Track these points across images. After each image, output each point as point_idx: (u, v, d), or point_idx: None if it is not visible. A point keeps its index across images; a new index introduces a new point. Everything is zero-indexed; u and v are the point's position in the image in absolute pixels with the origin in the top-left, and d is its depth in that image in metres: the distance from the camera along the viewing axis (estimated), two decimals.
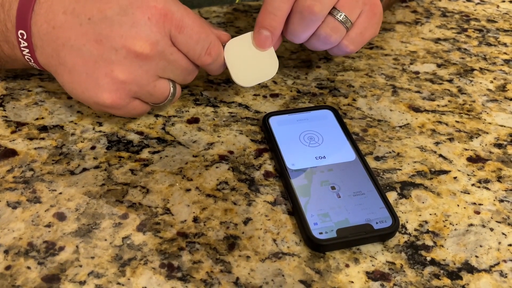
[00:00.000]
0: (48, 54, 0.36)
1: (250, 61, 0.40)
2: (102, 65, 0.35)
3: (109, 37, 0.34)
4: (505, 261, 0.34)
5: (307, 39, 0.41)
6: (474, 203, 0.38)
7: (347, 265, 0.33)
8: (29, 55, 0.37)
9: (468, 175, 0.40)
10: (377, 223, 0.34)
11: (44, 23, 0.35)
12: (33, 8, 0.36)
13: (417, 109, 0.46)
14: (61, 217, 0.35)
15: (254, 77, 0.41)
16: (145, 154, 0.40)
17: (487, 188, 0.39)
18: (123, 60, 0.35)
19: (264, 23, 0.39)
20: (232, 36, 0.40)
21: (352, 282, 0.32)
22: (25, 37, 0.36)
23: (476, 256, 0.34)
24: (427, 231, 0.35)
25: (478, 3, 0.64)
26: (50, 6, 0.35)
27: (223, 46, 0.39)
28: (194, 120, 0.44)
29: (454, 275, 0.33)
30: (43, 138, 0.41)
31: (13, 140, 0.40)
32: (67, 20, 0.35)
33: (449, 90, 0.49)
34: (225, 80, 0.48)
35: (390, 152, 0.41)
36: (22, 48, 0.37)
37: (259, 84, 0.45)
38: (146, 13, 0.34)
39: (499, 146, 0.43)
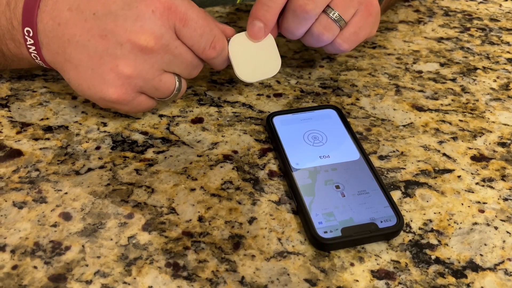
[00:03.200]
0: (54, 51, 0.36)
1: (253, 57, 0.40)
2: (107, 60, 0.35)
3: (114, 32, 0.34)
4: (509, 259, 0.34)
5: (301, 35, 0.42)
6: (478, 202, 0.38)
7: (352, 264, 0.33)
8: (35, 52, 0.37)
9: (472, 174, 0.40)
10: (381, 222, 0.34)
11: (50, 20, 0.36)
12: (38, 6, 0.36)
13: (420, 108, 0.46)
14: (67, 217, 0.35)
15: (257, 73, 0.41)
16: (149, 154, 0.40)
17: (491, 187, 0.39)
18: (128, 55, 0.35)
19: (258, 14, 0.39)
20: (237, 32, 0.40)
21: (357, 280, 0.32)
22: (31, 35, 0.36)
23: (481, 255, 0.34)
24: (432, 230, 0.35)
25: (480, 2, 0.64)
26: (56, 3, 0.36)
27: (228, 41, 0.39)
28: (198, 120, 0.44)
29: (459, 274, 0.33)
30: (48, 139, 0.41)
31: (19, 140, 0.41)
32: (72, 16, 0.35)
33: (452, 89, 0.49)
34: (228, 80, 0.48)
35: (394, 151, 0.42)
36: (28, 46, 0.37)
37: (261, 81, 0.45)
38: (150, 7, 0.34)
39: (502, 144, 0.43)
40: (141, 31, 0.34)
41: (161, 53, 0.36)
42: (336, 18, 0.40)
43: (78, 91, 0.38)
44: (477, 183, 0.39)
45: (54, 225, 0.34)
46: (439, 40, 0.56)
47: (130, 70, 0.35)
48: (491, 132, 0.44)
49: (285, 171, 0.38)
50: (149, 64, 0.36)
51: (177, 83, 0.39)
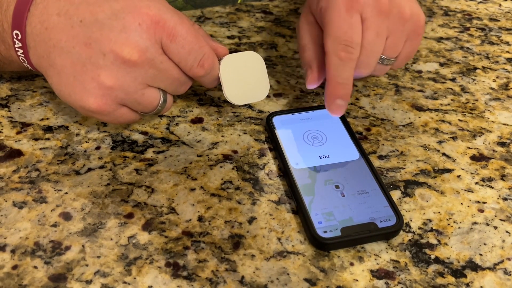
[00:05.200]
0: (40, 55, 0.36)
1: (243, 80, 0.40)
2: (89, 69, 0.34)
3: (98, 41, 0.34)
4: (509, 259, 0.34)
5: None
6: (478, 202, 0.38)
7: (351, 264, 0.33)
8: (23, 56, 0.37)
9: (471, 173, 0.40)
10: (381, 221, 0.34)
11: (38, 23, 0.35)
12: (29, 9, 0.35)
13: (420, 108, 0.46)
14: (67, 216, 0.35)
15: (245, 96, 0.40)
16: (149, 154, 0.40)
17: (491, 187, 0.39)
18: (110, 65, 0.34)
19: (339, 94, 0.39)
20: (230, 50, 0.40)
21: (357, 280, 0.32)
22: (19, 38, 0.36)
23: (480, 254, 0.34)
24: (431, 230, 0.36)
25: (480, 2, 0.64)
26: (45, 7, 0.35)
27: (219, 60, 0.38)
28: (198, 120, 0.44)
29: (458, 273, 0.33)
30: (48, 139, 0.41)
31: (19, 140, 0.41)
32: (59, 22, 0.35)
33: (452, 89, 0.49)
34: None
35: (393, 151, 0.42)
36: (16, 49, 0.37)
37: (248, 104, 0.45)
38: (137, 19, 0.34)
39: (502, 144, 0.43)
40: (126, 43, 0.34)
41: (145, 67, 0.35)
42: (388, 63, 0.41)
43: (60, 97, 0.37)
44: (476, 183, 0.39)
45: (54, 225, 0.34)
46: (439, 40, 0.56)
47: (111, 81, 0.34)
48: (490, 131, 0.44)
49: (284, 171, 0.38)
50: (131, 77, 0.35)
51: (162, 98, 0.37)
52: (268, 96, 0.47)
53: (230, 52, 0.39)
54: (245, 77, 0.40)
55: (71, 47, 0.34)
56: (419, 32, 0.41)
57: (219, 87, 0.40)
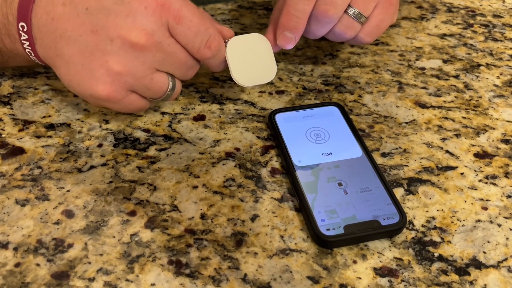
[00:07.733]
0: (47, 46, 0.36)
1: (250, 61, 0.40)
2: (97, 56, 0.34)
3: (105, 27, 0.34)
4: None
5: (323, 35, 0.42)
6: (482, 199, 0.38)
7: (354, 261, 0.33)
8: (29, 48, 0.37)
9: (475, 171, 0.40)
10: (384, 219, 0.34)
11: (44, 14, 0.35)
12: (34, 0, 0.35)
13: (423, 105, 0.46)
14: (69, 214, 0.35)
15: (253, 78, 0.40)
16: (152, 151, 0.40)
17: (495, 184, 0.39)
18: (118, 51, 0.34)
19: (288, 25, 0.40)
20: (236, 33, 0.40)
21: (360, 278, 0.32)
22: (25, 30, 0.36)
23: (484, 252, 0.34)
24: (435, 227, 0.35)
25: None
26: None
27: (226, 42, 0.39)
28: (200, 118, 0.44)
29: (462, 271, 0.33)
30: (50, 136, 0.41)
31: (21, 138, 0.41)
32: (65, 11, 0.35)
33: (455, 86, 0.49)
34: (230, 77, 0.48)
35: (396, 149, 0.41)
36: (22, 41, 0.36)
37: (256, 86, 0.45)
38: (143, 3, 0.34)
39: (506, 141, 0.43)
40: (132, 27, 0.34)
41: (152, 50, 0.35)
42: (356, 16, 0.40)
43: (68, 87, 0.37)
44: (480, 180, 0.39)
45: (57, 223, 0.34)
46: (442, 36, 0.56)
47: (120, 67, 0.34)
48: (494, 129, 0.44)
49: (287, 169, 0.38)
50: (140, 62, 0.35)
51: (171, 83, 0.37)
52: (270, 93, 0.47)
53: (236, 35, 0.39)
54: (252, 59, 0.40)
55: (78, 36, 0.34)
56: (391, 1, 0.41)
57: (227, 72, 0.40)
